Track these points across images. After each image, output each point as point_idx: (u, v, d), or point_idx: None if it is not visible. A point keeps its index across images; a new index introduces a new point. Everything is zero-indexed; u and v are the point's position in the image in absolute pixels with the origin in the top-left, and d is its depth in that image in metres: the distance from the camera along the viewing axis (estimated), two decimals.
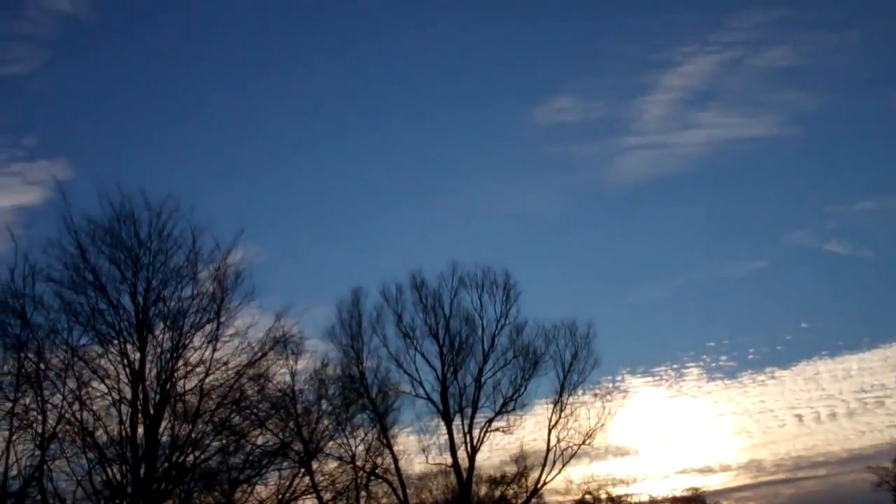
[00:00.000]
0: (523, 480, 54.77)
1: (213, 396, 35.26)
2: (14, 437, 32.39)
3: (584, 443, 53.02)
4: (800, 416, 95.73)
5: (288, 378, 45.30)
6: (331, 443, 48.27)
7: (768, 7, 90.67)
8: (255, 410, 38.82)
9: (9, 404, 32.44)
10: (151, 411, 33.54)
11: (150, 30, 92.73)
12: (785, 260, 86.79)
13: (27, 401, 33.00)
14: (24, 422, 32.76)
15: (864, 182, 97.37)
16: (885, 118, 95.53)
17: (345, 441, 49.10)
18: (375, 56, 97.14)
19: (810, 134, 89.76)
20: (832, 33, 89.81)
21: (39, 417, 32.71)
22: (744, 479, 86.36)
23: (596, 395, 54.43)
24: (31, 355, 33.17)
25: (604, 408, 53.83)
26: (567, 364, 53.78)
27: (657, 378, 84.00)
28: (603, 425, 53.48)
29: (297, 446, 44.70)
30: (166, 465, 33.92)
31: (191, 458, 34.96)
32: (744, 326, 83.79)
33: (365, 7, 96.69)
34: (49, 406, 32.86)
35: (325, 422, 47.83)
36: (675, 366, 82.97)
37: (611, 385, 56.73)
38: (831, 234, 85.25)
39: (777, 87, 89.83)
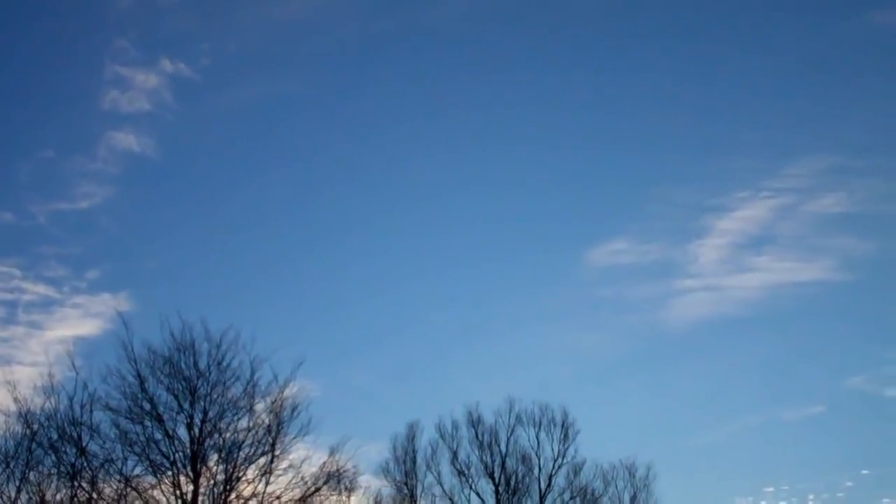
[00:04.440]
0: None
1: None
2: None
3: None
4: None
5: None
6: None
7: (822, 155, 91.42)
8: None
9: None
10: None
11: (211, 167, 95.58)
12: (843, 405, 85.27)
13: None
14: None
15: None
16: None
17: None
18: (430, 205, 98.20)
19: (865, 279, 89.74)
20: (885, 181, 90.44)
21: None
22: None
23: None
24: (84, 484, 33.11)
25: None
26: None
27: None
28: None
29: None
30: None
31: None
32: (803, 472, 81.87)
33: (417, 160, 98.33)
34: None
35: None
36: None
37: None
38: (890, 379, 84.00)
39: (831, 232, 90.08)
